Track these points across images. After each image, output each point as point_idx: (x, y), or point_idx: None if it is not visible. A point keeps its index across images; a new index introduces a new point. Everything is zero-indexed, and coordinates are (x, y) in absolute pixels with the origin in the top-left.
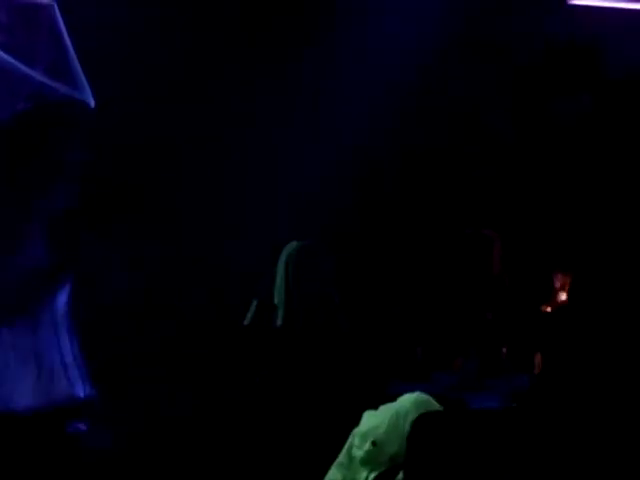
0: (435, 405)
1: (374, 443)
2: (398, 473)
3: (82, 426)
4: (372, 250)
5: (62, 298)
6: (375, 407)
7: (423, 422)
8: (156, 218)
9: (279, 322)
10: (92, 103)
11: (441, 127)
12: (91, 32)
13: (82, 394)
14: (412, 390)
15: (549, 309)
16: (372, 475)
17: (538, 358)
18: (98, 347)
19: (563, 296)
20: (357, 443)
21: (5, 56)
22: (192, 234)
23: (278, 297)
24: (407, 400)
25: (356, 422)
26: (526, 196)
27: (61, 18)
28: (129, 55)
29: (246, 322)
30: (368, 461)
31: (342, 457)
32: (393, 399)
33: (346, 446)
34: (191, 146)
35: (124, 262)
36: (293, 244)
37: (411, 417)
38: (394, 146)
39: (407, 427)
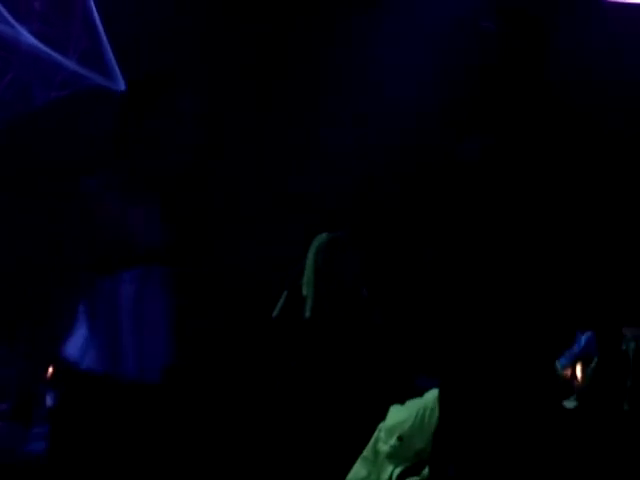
0: None
1: (400, 438)
2: (424, 468)
3: None
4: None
5: None
6: (402, 402)
7: (449, 417)
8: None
9: (307, 314)
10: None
11: None
12: (123, 21)
13: None
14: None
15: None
16: (397, 470)
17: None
18: None
19: None
20: (383, 437)
21: (39, 44)
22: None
23: (307, 289)
24: (434, 395)
25: (382, 416)
26: None
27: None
28: (160, 42)
29: (275, 313)
30: (394, 456)
31: (367, 451)
32: (420, 394)
33: (372, 440)
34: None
35: None
36: (323, 236)
37: (438, 413)
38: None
39: (434, 423)
